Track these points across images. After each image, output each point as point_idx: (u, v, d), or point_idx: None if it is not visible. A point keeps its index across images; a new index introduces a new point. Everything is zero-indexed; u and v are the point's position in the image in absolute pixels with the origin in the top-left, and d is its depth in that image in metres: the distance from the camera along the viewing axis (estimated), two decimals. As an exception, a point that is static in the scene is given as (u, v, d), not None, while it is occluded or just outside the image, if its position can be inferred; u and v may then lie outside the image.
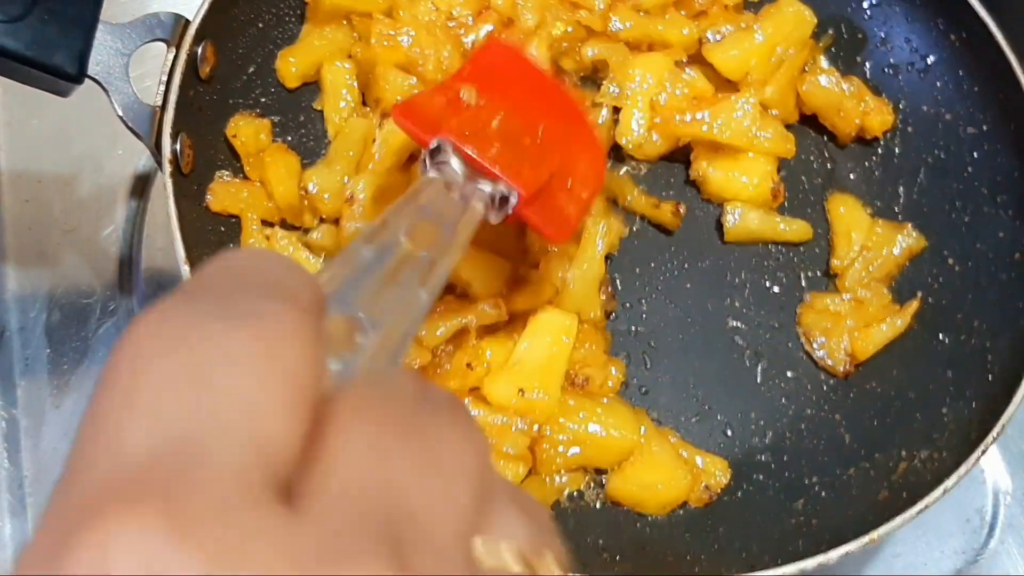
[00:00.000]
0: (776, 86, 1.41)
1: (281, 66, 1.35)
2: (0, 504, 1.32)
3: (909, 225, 1.39)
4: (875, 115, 1.42)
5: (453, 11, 1.38)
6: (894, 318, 1.34)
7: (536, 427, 1.19)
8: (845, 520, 1.20)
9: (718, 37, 1.41)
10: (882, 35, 1.46)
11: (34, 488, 1.33)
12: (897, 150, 1.45)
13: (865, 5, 1.47)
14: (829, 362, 1.35)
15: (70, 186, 1.52)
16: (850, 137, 1.45)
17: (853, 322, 1.35)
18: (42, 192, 1.51)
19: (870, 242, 1.39)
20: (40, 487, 1.33)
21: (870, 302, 1.36)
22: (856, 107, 1.42)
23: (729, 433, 1.32)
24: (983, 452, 1.16)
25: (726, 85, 1.42)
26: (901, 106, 1.46)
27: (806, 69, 1.45)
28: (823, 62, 1.48)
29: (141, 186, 1.53)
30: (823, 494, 1.26)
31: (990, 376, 1.26)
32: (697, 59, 1.42)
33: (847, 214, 1.42)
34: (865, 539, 1.10)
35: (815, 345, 1.36)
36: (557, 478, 1.22)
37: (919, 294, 1.36)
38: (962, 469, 1.14)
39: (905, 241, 1.38)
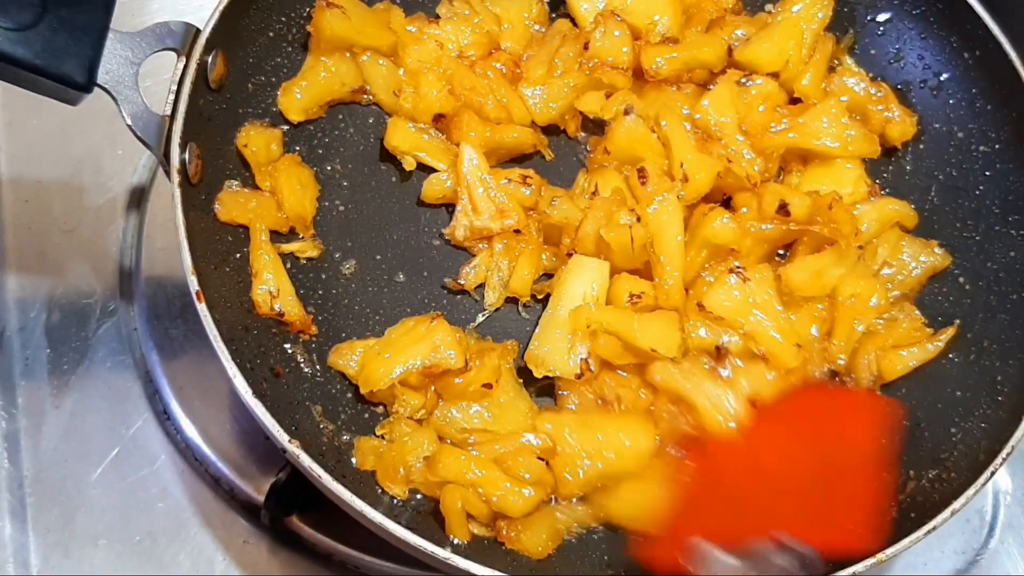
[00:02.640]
0: (811, 74, 1.40)
1: (284, 100, 1.34)
2: (0, 504, 1.31)
3: (936, 243, 1.37)
4: (897, 125, 1.41)
5: (466, 52, 1.39)
6: (926, 343, 1.33)
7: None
8: (852, 539, 1.21)
9: (737, 44, 1.41)
10: (895, 52, 1.46)
11: (34, 488, 1.33)
12: (909, 167, 1.44)
13: (879, 21, 1.47)
14: (852, 383, 1.33)
15: (70, 186, 1.51)
16: None
17: (883, 342, 1.32)
18: (42, 192, 1.50)
19: (895, 258, 1.37)
20: (40, 487, 1.33)
21: (901, 323, 1.33)
22: (880, 115, 1.41)
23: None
24: (992, 474, 1.15)
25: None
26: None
27: (835, 67, 1.44)
28: (850, 63, 1.47)
29: (142, 188, 1.52)
30: (830, 512, 1.26)
31: (1000, 397, 1.26)
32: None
33: None
34: (872, 560, 1.10)
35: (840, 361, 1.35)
36: (568, 513, 1.22)
37: (956, 322, 1.35)
38: (971, 491, 1.14)
39: (929, 259, 1.37)
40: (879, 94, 1.41)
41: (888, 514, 1.06)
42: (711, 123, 1.36)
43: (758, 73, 1.39)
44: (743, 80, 1.38)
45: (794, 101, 1.41)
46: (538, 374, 1.24)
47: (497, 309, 1.33)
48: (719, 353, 1.20)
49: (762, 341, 1.23)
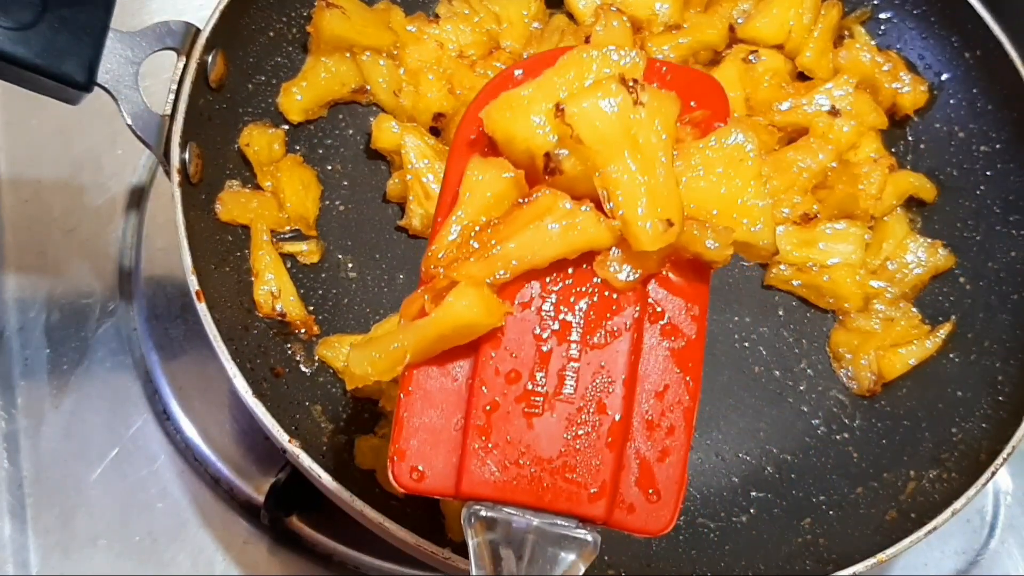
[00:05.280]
0: (814, 49, 1.40)
1: (284, 101, 1.35)
2: (0, 504, 1.31)
3: (940, 243, 1.37)
4: (908, 94, 1.41)
5: (466, 52, 1.39)
6: (924, 340, 1.33)
7: None
8: (852, 540, 1.21)
9: (741, 20, 1.41)
10: (895, 52, 1.45)
11: (34, 488, 1.33)
12: (909, 167, 1.44)
13: (880, 19, 1.47)
14: (853, 384, 1.34)
15: (70, 186, 1.51)
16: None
17: (881, 342, 1.33)
18: (42, 192, 1.50)
19: (898, 256, 1.37)
20: (40, 487, 1.33)
21: (898, 321, 1.34)
22: (890, 86, 1.41)
23: (736, 450, 1.31)
24: (993, 474, 1.15)
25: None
26: (914, 122, 1.45)
27: (845, 37, 1.44)
28: (862, 34, 1.47)
29: (142, 188, 1.52)
30: (830, 513, 1.26)
31: (1000, 397, 1.26)
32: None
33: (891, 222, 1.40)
34: (872, 560, 1.10)
35: (842, 363, 1.35)
36: None
37: (952, 318, 1.35)
38: (971, 491, 1.14)
39: (933, 260, 1.36)
40: (887, 66, 1.41)
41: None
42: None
43: (763, 47, 1.39)
44: (750, 56, 1.38)
45: (803, 76, 1.41)
46: None
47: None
48: None
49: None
